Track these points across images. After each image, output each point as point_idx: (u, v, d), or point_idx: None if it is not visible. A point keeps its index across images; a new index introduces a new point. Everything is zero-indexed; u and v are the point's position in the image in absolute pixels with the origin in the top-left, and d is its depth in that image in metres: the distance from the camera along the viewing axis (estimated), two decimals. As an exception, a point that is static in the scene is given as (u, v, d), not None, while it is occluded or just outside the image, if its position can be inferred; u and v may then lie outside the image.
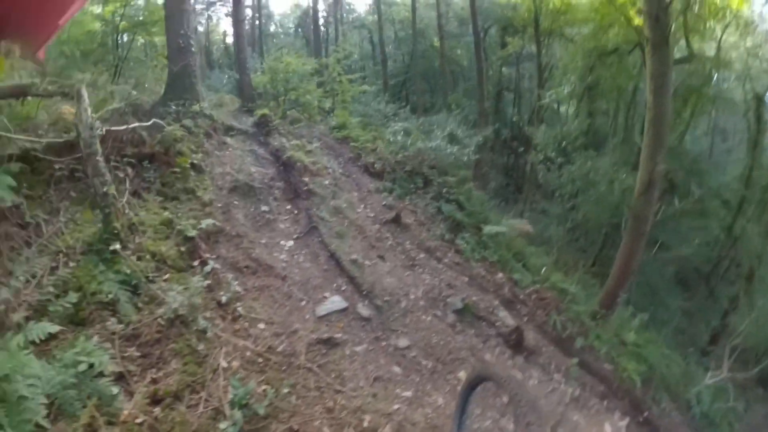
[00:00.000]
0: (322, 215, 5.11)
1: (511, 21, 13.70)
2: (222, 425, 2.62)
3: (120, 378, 2.67)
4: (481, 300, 4.40)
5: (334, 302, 3.85)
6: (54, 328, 2.44)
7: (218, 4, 19.05)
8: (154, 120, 5.18)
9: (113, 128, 4.21)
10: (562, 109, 13.26)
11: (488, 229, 5.65)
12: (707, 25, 8.97)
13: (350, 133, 8.69)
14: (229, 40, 19.31)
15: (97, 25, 10.23)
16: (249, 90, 11.23)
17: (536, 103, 10.25)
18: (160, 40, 10.41)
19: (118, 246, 3.14)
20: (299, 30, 20.18)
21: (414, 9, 14.90)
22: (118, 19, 10.55)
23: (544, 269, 5.22)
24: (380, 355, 3.59)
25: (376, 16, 16.79)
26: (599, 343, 4.46)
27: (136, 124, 4.76)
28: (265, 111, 8.21)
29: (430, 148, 6.89)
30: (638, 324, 5.26)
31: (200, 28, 18.86)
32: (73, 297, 2.70)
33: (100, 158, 3.29)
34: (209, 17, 19.75)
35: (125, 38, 10.67)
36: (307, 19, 18.94)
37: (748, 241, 8.35)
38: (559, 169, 6.81)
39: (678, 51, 8.40)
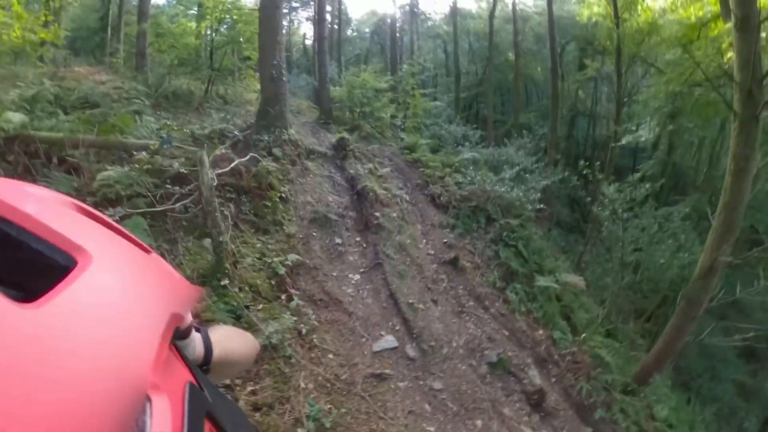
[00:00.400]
0: (387, 252, 5.81)
1: (590, 41, 13.15)
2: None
3: (227, 387, 3.64)
4: (516, 356, 4.82)
5: (388, 341, 4.56)
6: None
7: (300, 9, 20.25)
8: (250, 155, 6.14)
9: (220, 171, 5.19)
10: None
11: (540, 281, 5.92)
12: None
13: (420, 156, 9.20)
14: (308, 42, 20.52)
15: (192, 39, 11.49)
16: (327, 103, 12.17)
17: (611, 144, 10.02)
18: (249, 52, 11.54)
19: (227, 281, 4.09)
20: (375, 36, 20.87)
21: (492, 23, 14.82)
22: (212, 33, 11.88)
23: (584, 335, 5.40)
24: (417, 393, 4.25)
25: (451, 27, 16.92)
26: (622, 417, 4.61)
27: (237, 161, 5.67)
28: (343, 134, 9.03)
29: (496, 189, 7.15)
30: (675, 401, 5.32)
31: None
32: (198, 326, 3.67)
33: (218, 213, 4.23)
34: (291, 20, 21.08)
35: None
36: (383, 26, 19.52)
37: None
38: (624, 223, 6.73)
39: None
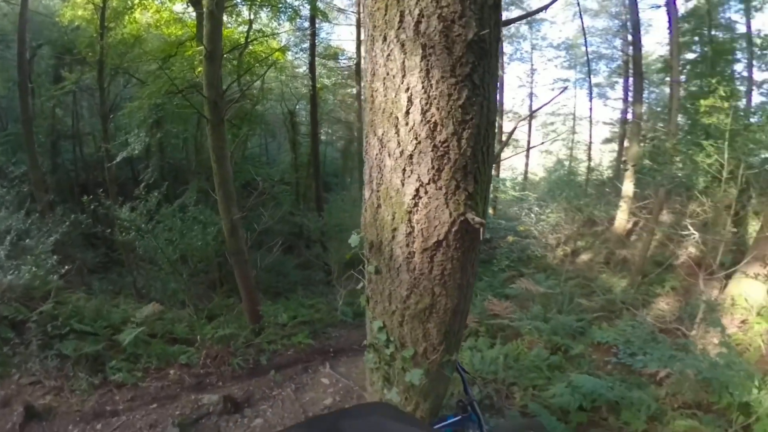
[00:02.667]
0: None
1: (70, 48, 11.10)
2: None
3: None
4: (177, 405, 4.35)
5: None
6: None
7: None
8: None
9: None
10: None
11: (123, 338, 5.11)
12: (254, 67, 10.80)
13: None
14: None
15: None
16: None
17: (106, 165, 9.65)
18: None
19: None
20: None
21: None
22: None
23: (199, 336, 5.58)
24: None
25: None
26: (269, 345, 5.87)
27: None
28: None
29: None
30: (282, 307, 7.50)
31: None
32: None
33: None
34: None
35: None
36: None
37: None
38: (152, 232, 6.76)
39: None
